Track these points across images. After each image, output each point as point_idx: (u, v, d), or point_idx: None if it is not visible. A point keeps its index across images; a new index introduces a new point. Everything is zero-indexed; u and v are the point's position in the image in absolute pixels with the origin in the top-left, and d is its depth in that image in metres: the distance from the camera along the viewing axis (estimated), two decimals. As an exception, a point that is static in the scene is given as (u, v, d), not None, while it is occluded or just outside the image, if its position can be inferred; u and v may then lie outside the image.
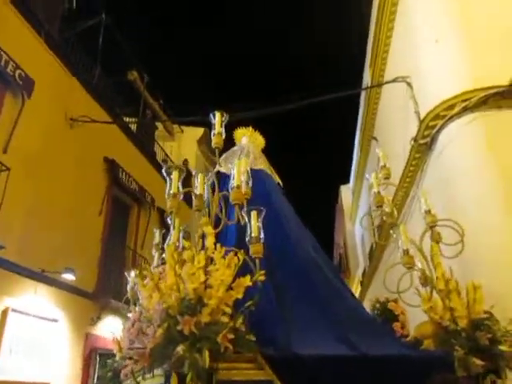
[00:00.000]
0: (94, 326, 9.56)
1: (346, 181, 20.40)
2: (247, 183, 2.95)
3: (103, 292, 9.74)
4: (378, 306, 4.46)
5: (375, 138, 12.80)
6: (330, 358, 2.58)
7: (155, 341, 2.02)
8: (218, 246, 2.39)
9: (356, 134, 16.22)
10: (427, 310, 3.03)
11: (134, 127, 12.99)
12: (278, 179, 4.82)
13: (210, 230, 2.51)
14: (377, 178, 3.85)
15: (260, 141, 5.11)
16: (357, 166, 16.41)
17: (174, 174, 2.78)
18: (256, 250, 2.59)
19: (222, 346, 2.01)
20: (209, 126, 3.37)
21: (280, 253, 3.52)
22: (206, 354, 1.96)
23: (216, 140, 3.17)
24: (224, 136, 3.18)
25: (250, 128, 5.11)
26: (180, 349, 1.96)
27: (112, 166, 10.95)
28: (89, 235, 9.82)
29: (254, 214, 2.67)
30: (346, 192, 20.32)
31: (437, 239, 3.37)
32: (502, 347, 2.83)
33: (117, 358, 2.25)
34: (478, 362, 2.69)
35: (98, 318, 9.65)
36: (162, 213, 12.09)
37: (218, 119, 3.18)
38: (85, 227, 9.67)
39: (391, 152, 9.98)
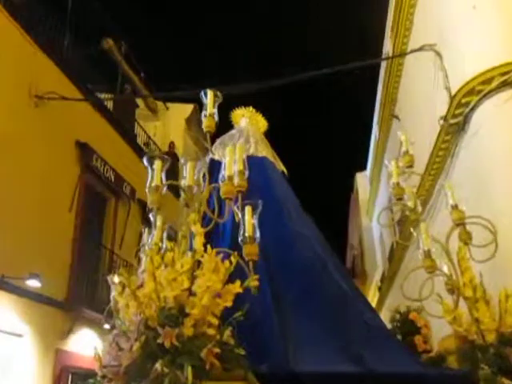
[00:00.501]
0: (66, 340, 9.65)
1: (363, 167, 20.44)
2: (242, 173, 3.00)
3: (75, 301, 9.82)
4: (398, 316, 4.54)
5: (397, 117, 12.83)
6: (331, 375, 2.66)
7: (132, 356, 2.09)
8: (208, 247, 2.45)
9: (374, 112, 16.25)
10: (451, 322, 3.10)
11: (110, 105, 13.00)
12: (282, 167, 4.88)
13: (198, 229, 2.56)
14: (397, 167, 3.89)
15: (262, 123, 5.16)
16: (375, 149, 16.45)
17: (157, 164, 2.83)
18: (250, 251, 2.65)
19: (206, 362, 2.08)
20: (199, 102, 3.41)
21: (281, 252, 3.59)
22: (189, 370, 2.04)
23: (207, 123, 3.20)
24: (217, 118, 3.23)
25: (251, 108, 5.15)
26: (159, 365, 2.03)
27: (84, 151, 11.00)
28: (58, 233, 9.88)
29: (248, 209, 2.72)
30: (362, 180, 20.32)
31: (465, 239, 3.42)
32: (536, 367, 2.88)
33: (98, 378, 2.32)
34: (507, 382, 2.75)
35: (70, 332, 9.73)
36: (143, 206, 12.14)
37: (209, 99, 3.21)
38: (53, 224, 9.72)
39: (416, 134, 10.01)
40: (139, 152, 13.40)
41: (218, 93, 3.28)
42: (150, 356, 2.10)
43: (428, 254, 3.36)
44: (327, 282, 3.55)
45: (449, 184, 3.70)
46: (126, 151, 13.02)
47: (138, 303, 2.21)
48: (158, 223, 3.02)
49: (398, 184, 3.79)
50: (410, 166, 3.96)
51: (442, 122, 7.30)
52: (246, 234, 2.70)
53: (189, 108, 16.94)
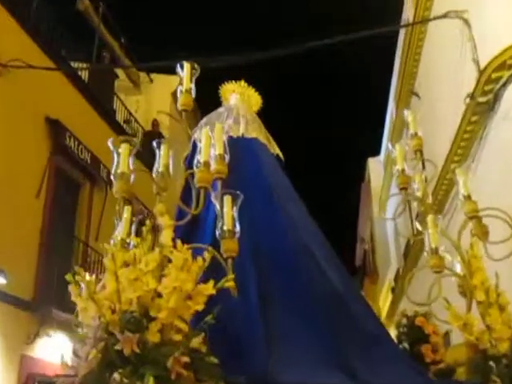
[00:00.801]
0: (32, 345, 9.73)
1: (376, 152, 20.47)
2: (222, 158, 3.03)
3: (43, 300, 9.90)
4: (404, 321, 4.59)
5: (416, 94, 12.83)
6: None
7: (89, 365, 2.13)
8: (178, 242, 2.48)
9: (391, 89, 16.22)
10: (461, 329, 3.15)
11: (85, 75, 12.99)
12: (277, 150, 4.90)
13: (167, 221, 2.60)
14: (402, 151, 3.91)
15: (255, 100, 5.18)
16: (391, 130, 16.44)
17: (123, 149, 2.85)
18: (229, 247, 2.69)
19: (172, 372, 2.12)
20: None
21: (271, 246, 3.63)
22: (151, 381, 2.08)
23: (184, 100, 3.23)
24: (194, 95, 3.25)
25: (242, 83, 5.16)
26: (117, 375, 2.07)
27: (55, 129, 11.04)
28: (23, 223, 9.93)
29: (227, 199, 2.76)
30: (375, 167, 20.39)
31: (479, 234, 3.45)
32: (554, 380, 2.93)
33: None
34: (520, 396, 2.81)
35: (37, 335, 9.81)
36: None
37: (186, 72, 3.23)
38: (18, 212, 9.76)
39: (439, 114, 10.04)
40: (119, 130, 13.42)
41: (196, 65, 3.30)
42: (110, 365, 2.14)
43: (435, 251, 3.39)
44: (321, 280, 3.58)
45: (459, 171, 3.72)
46: (103, 129, 13.02)
47: (98, 306, 2.25)
48: (126, 215, 3.06)
49: (403, 171, 3.80)
50: (419, 151, 3.97)
51: (468, 100, 7.26)
52: (225, 228, 2.73)
53: (176, 80, 16.78)
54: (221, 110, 4.89)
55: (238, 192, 2.81)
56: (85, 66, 13.22)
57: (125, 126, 14.72)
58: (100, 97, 13.35)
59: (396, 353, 3.61)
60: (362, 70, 23.82)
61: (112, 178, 2.90)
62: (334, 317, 3.33)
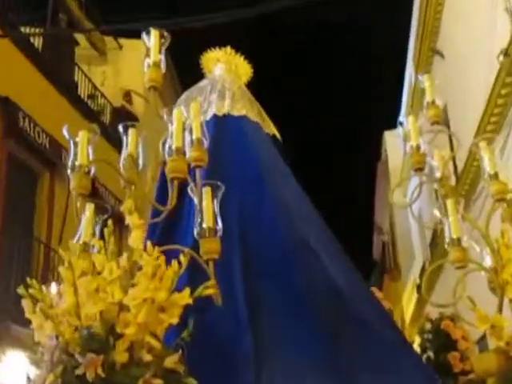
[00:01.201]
0: (-13, 367, 9.79)
1: (393, 124, 20.39)
2: (201, 142, 3.03)
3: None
4: (428, 326, 4.65)
5: (439, 53, 12.81)
6: None
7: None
8: (149, 245, 2.51)
9: (409, 47, 16.17)
10: (490, 334, 3.18)
11: (39, 43, 12.94)
12: (273, 130, 4.92)
13: (135, 221, 2.61)
14: (415, 123, 3.92)
15: (244, 70, 5.17)
16: (410, 97, 16.43)
17: (81, 137, 2.86)
18: (209, 247, 2.71)
19: (143, 396, 2.17)
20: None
21: (263, 242, 3.66)
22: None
23: (152, 75, 3.24)
24: (164, 68, 3.26)
25: (228, 49, 5.16)
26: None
27: (6, 109, 11.03)
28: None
29: (207, 191, 2.77)
30: (392, 141, 20.23)
31: (509, 220, 3.47)
32: None
33: None
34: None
35: (-7, 356, 9.88)
36: (91, 182, 12.16)
37: (154, 41, 3.24)
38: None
39: (466, 76, 10.03)
40: (82, 108, 13.40)
41: (165, 33, 3.30)
42: (71, 392, 2.18)
43: (457, 243, 3.38)
44: (319, 280, 3.61)
45: (482, 145, 3.73)
46: (63, 107, 13.02)
47: (55, 323, 2.28)
48: (88, 214, 3.08)
49: (417, 148, 3.79)
50: (436, 123, 3.98)
51: (502, 57, 7.24)
52: (205, 225, 2.75)
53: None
54: (203, 83, 4.90)
55: (219, 183, 2.83)
56: (38, 31, 13.15)
57: (89, 102, 14.66)
58: (58, 68, 13.32)
59: (412, 362, 3.65)
60: (379, 29, 23.68)
61: (68, 172, 2.92)
62: (336, 323, 3.37)
